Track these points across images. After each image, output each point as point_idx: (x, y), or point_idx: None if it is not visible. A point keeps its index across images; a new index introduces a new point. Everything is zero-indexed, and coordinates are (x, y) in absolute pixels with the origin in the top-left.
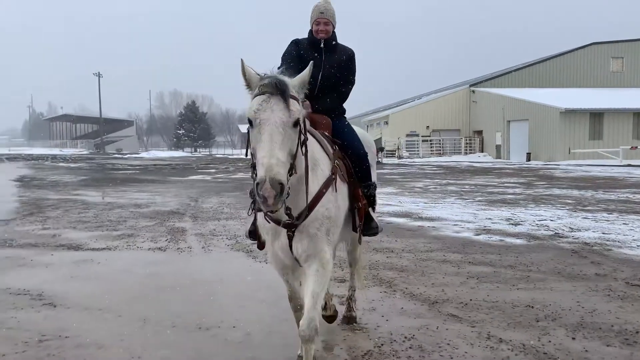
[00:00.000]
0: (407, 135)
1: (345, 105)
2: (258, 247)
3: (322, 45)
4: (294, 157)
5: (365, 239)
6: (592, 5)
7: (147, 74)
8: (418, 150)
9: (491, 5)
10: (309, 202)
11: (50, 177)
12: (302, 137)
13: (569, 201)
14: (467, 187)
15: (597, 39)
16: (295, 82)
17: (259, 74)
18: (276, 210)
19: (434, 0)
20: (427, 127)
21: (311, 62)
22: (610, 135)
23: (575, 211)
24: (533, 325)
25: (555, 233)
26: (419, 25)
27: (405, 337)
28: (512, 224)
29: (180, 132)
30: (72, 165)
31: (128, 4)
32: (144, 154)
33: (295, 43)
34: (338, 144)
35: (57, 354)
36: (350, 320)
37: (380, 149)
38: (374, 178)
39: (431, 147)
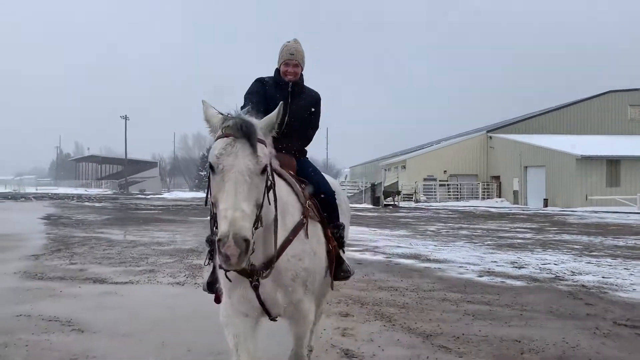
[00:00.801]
0: (425, 180)
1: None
2: (215, 301)
3: (289, 88)
4: (260, 207)
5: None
6: (606, 54)
7: (172, 116)
8: (435, 195)
9: (504, 55)
10: (276, 250)
11: (76, 215)
12: (269, 182)
13: (577, 246)
14: (479, 231)
15: (615, 87)
16: (263, 124)
17: (222, 114)
18: (239, 269)
19: (451, 48)
20: (445, 171)
21: (281, 102)
22: (627, 182)
23: (580, 256)
24: (516, 357)
25: (556, 276)
26: (436, 72)
27: None
28: (516, 267)
29: (202, 173)
30: (97, 204)
31: (151, 49)
32: (166, 195)
33: (261, 82)
34: (305, 183)
35: None
36: None
37: (396, 193)
38: (341, 219)
39: (448, 192)
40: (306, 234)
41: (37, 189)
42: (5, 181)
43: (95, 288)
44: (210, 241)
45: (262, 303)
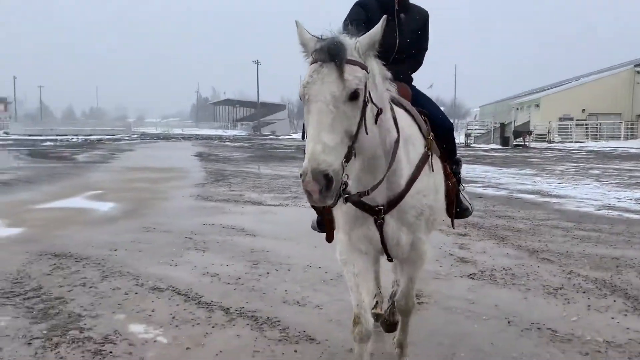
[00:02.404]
0: (560, 119)
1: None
2: (327, 240)
3: (396, 5)
4: (354, 137)
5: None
6: None
7: (300, 60)
8: (571, 135)
9: None
10: (403, 186)
11: (223, 153)
12: (376, 109)
13: None
14: (609, 170)
15: None
16: (363, 42)
17: (316, 37)
18: (329, 206)
19: None
20: (583, 110)
21: (384, 16)
22: None
23: None
24: (610, 269)
25: None
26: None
27: (504, 269)
28: (639, 203)
29: None
30: (236, 144)
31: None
32: (294, 136)
33: (361, 5)
34: (423, 114)
35: (264, 259)
36: (390, 327)
37: (527, 133)
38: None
39: (586, 132)
40: (431, 168)
41: (182, 130)
42: (155, 123)
43: (255, 208)
44: None
45: (383, 242)
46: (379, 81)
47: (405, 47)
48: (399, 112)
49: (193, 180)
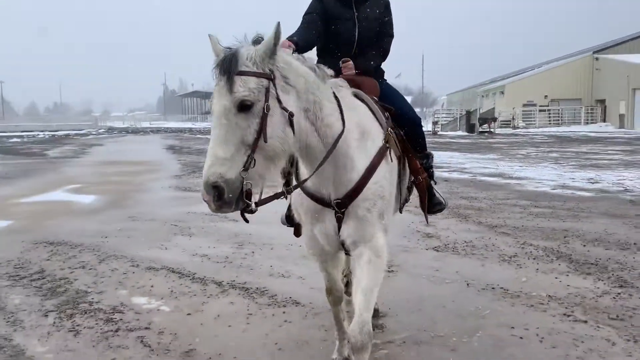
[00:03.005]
0: (524, 105)
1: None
2: (295, 235)
3: None
4: (252, 146)
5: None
6: None
7: None
8: (534, 121)
9: None
10: (357, 179)
11: (195, 146)
12: (288, 111)
13: None
14: (568, 154)
15: None
16: (252, 52)
17: (225, 49)
18: (228, 212)
19: None
20: (545, 96)
21: (277, 22)
22: None
23: None
24: (559, 239)
25: (626, 189)
26: None
27: (465, 242)
28: (591, 182)
29: None
30: (208, 136)
31: None
32: None
33: None
34: (389, 110)
35: (248, 241)
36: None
37: (492, 119)
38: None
39: (549, 118)
40: (391, 158)
41: (150, 124)
42: (121, 117)
43: None
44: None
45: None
46: (302, 83)
47: (367, 38)
48: (359, 107)
49: (169, 172)
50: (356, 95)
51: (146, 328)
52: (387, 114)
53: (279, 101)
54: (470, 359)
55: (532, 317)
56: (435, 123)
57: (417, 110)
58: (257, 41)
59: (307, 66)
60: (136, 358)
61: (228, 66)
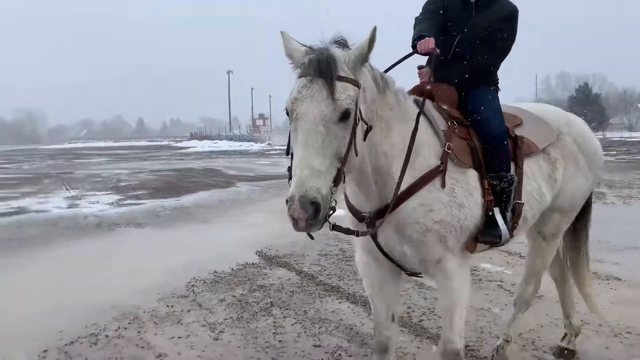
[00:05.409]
0: None
1: None
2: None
3: None
4: (343, 159)
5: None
6: None
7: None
8: None
9: None
10: (394, 197)
11: None
12: (365, 126)
13: None
14: None
15: None
16: (351, 57)
17: (306, 47)
18: (314, 231)
19: None
20: None
21: (374, 27)
22: None
23: None
24: None
25: None
26: None
27: None
28: None
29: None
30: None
31: None
32: None
33: None
34: (470, 119)
35: None
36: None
37: None
38: (578, 177)
39: None
40: (442, 183)
41: None
42: None
43: None
44: None
45: (386, 254)
46: (369, 95)
47: (473, 40)
48: (412, 120)
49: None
50: (418, 104)
51: None
52: (451, 121)
53: (361, 112)
54: None
55: None
56: None
57: None
58: (339, 42)
59: (374, 80)
60: None
61: (326, 68)
